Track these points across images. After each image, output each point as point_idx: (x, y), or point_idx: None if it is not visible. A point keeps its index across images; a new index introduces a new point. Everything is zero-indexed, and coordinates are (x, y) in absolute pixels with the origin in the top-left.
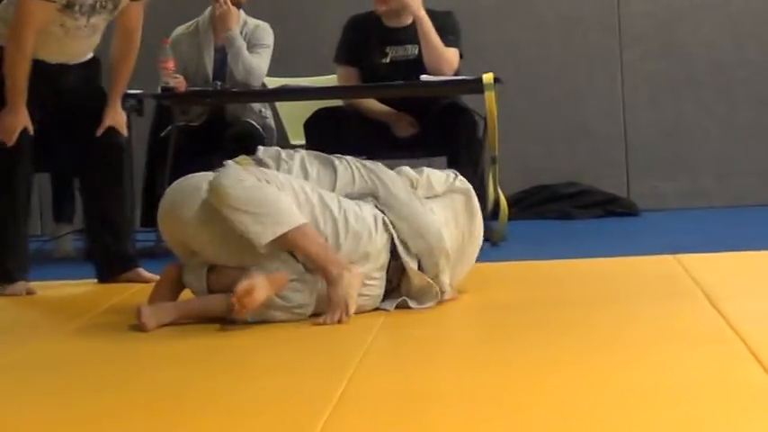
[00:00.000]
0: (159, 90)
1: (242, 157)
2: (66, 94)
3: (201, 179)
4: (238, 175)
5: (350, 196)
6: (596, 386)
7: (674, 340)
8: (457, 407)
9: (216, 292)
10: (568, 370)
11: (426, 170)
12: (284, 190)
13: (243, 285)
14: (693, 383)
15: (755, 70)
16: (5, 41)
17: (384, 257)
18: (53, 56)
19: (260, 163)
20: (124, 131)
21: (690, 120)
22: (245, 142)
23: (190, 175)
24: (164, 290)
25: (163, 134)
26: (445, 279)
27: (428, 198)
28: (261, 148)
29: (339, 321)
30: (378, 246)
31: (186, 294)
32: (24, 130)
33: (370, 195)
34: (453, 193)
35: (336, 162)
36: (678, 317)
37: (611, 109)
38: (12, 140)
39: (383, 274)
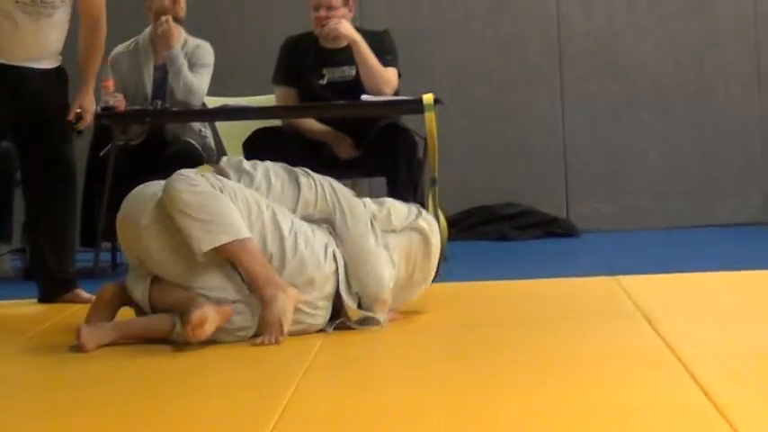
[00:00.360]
0: (99, 109)
1: (204, 166)
2: (25, 104)
3: (159, 187)
4: (192, 180)
5: (308, 217)
6: (537, 408)
7: (614, 362)
8: (397, 429)
9: (157, 305)
10: (509, 392)
11: (389, 202)
12: (237, 201)
13: (196, 316)
14: (634, 405)
15: (694, 91)
16: None
17: (330, 287)
18: (11, 53)
19: (220, 172)
20: (89, 117)
21: (628, 140)
22: (184, 162)
23: (150, 183)
24: (100, 310)
25: (102, 153)
26: (381, 317)
27: (385, 231)
28: (224, 158)
29: (275, 342)
30: (324, 273)
31: (123, 314)
32: None
33: (326, 221)
34: (413, 231)
35: (302, 179)
36: (618, 338)
37: (550, 129)
38: None
39: (328, 304)
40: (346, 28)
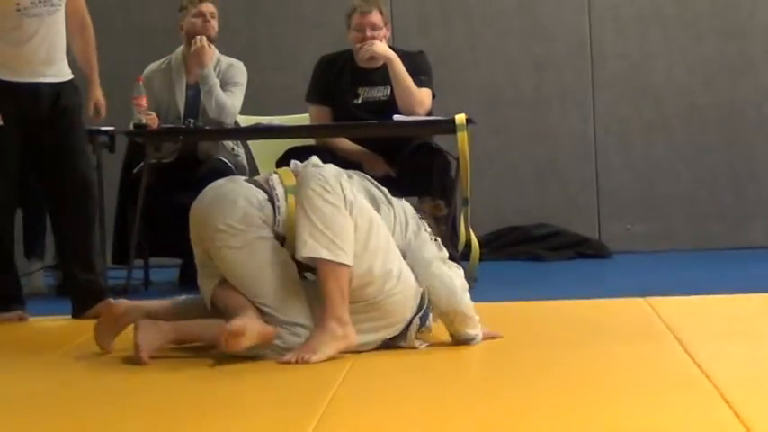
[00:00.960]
0: (132, 127)
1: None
2: (41, 109)
3: (237, 194)
4: (327, 186)
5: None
6: (567, 429)
7: (646, 383)
8: None
9: (217, 303)
10: (539, 412)
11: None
12: (361, 221)
13: (236, 325)
14: (665, 427)
15: (727, 113)
16: None
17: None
18: (21, 68)
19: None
20: (103, 112)
21: (661, 162)
22: (216, 180)
23: (226, 181)
24: (106, 324)
25: (135, 171)
26: (473, 332)
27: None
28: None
29: (299, 362)
30: (407, 315)
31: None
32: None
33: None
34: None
35: (384, 207)
36: (649, 360)
37: (582, 151)
38: None
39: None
40: (382, 48)
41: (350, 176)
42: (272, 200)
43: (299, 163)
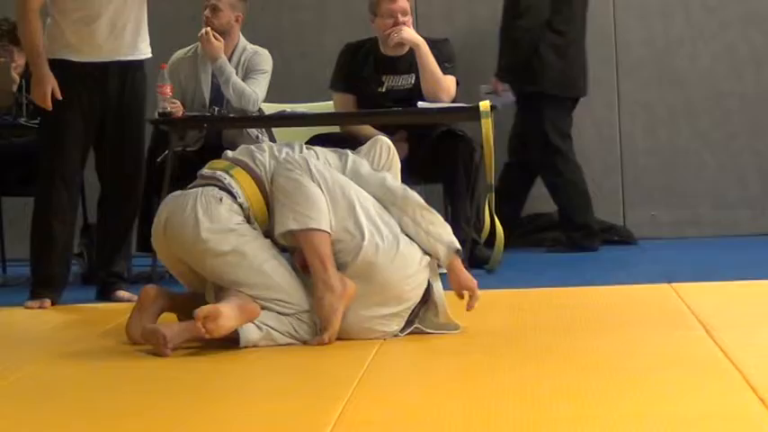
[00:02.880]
0: (156, 115)
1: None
2: (105, 104)
3: (192, 201)
4: (288, 165)
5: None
6: (593, 415)
7: (670, 369)
8: None
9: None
10: (564, 399)
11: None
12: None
13: (205, 309)
14: (690, 413)
15: (752, 99)
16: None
17: (417, 299)
18: (96, 51)
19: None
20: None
21: (686, 149)
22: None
23: (172, 198)
24: (141, 312)
25: (159, 159)
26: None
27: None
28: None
29: (322, 343)
30: (419, 281)
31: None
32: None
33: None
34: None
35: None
36: (675, 346)
37: (608, 137)
38: (49, 104)
39: (407, 315)
40: (411, 33)
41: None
42: (222, 188)
43: (228, 152)
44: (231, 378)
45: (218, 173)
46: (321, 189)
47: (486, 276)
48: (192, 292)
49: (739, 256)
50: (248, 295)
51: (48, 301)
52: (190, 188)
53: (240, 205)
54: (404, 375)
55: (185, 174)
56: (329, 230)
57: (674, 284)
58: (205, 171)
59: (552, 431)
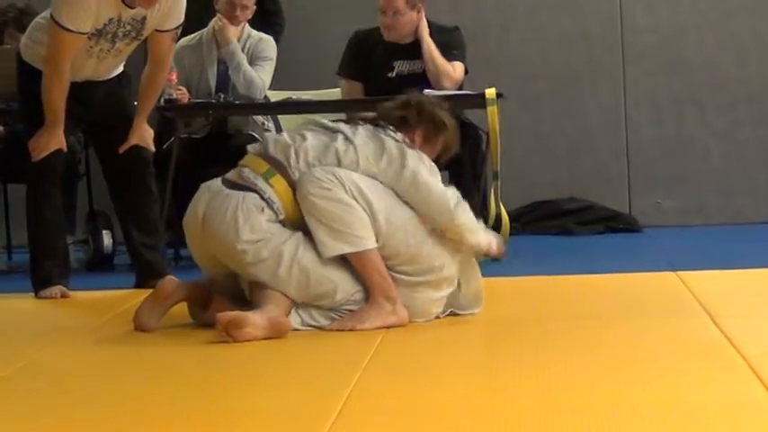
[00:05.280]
0: (162, 102)
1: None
2: (93, 107)
3: (234, 207)
4: (325, 185)
5: None
6: (599, 403)
7: (676, 357)
8: (460, 425)
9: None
10: (570, 387)
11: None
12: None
13: (229, 315)
14: (695, 401)
15: (757, 87)
16: (40, 64)
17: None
18: (79, 76)
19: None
20: (151, 147)
21: (692, 136)
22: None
23: (212, 196)
24: (155, 303)
25: (165, 146)
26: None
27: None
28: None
29: (346, 329)
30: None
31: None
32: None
33: None
34: None
35: (341, 143)
36: (681, 334)
37: (613, 125)
38: (40, 157)
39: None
40: (398, 34)
41: (306, 131)
42: (263, 198)
43: (256, 146)
44: (235, 366)
45: (260, 182)
46: (357, 200)
47: (491, 264)
48: (207, 283)
49: (744, 244)
50: (288, 297)
51: (57, 290)
52: (230, 188)
53: (277, 214)
54: (408, 364)
55: (191, 160)
56: (377, 245)
57: (679, 272)
58: (245, 172)
59: (557, 419)
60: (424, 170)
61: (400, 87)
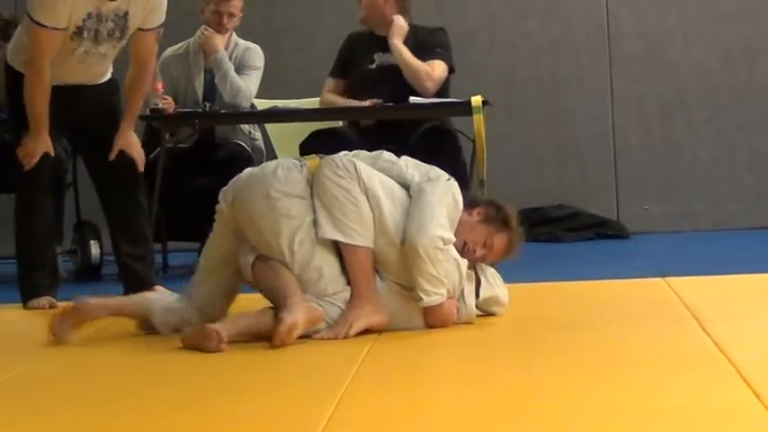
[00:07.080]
0: (148, 111)
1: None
2: (80, 114)
3: (275, 165)
4: (340, 171)
5: None
6: (588, 409)
7: (664, 363)
8: (447, 430)
9: (258, 280)
10: (559, 394)
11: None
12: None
13: (287, 324)
14: (683, 407)
15: (745, 93)
16: (22, 68)
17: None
18: (63, 79)
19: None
20: (139, 157)
21: (679, 142)
22: (234, 164)
23: (271, 163)
24: (68, 319)
25: (152, 156)
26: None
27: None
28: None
29: (334, 338)
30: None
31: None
32: (45, 153)
33: None
34: None
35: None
36: (668, 340)
37: (601, 131)
38: (32, 164)
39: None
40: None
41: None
42: (300, 165)
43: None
44: (224, 372)
45: (294, 160)
46: (367, 198)
47: None
48: (129, 300)
49: (732, 250)
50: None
51: (46, 300)
52: None
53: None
54: (398, 370)
55: (178, 170)
56: (372, 246)
57: (667, 278)
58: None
59: (544, 424)
60: (445, 196)
61: (381, 79)
